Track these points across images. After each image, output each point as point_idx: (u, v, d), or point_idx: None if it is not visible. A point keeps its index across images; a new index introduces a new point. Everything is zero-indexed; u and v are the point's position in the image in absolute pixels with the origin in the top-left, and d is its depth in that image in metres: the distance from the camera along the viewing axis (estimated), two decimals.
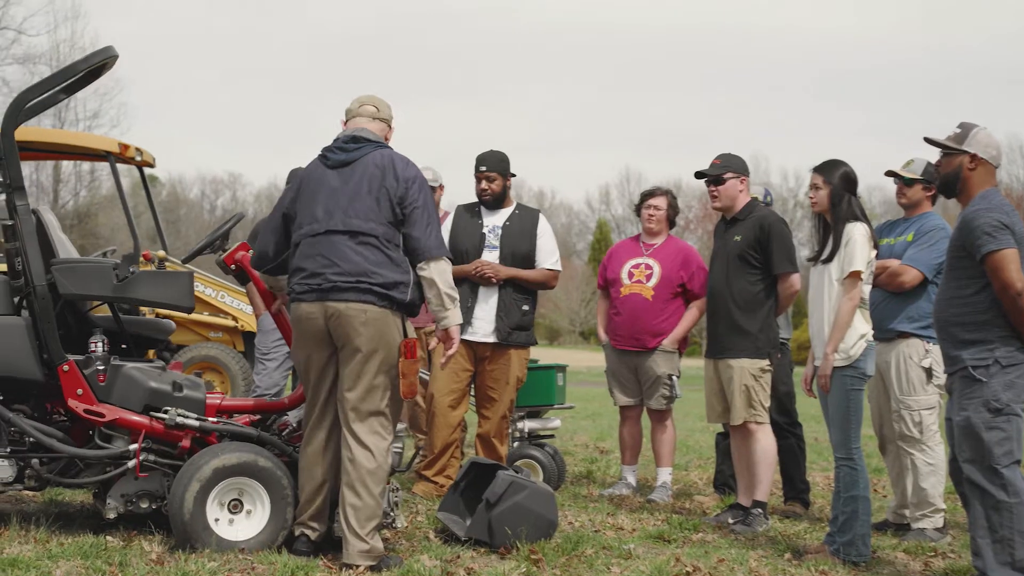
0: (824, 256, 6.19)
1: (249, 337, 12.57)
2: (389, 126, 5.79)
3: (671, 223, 8.46)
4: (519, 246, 7.55)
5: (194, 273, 5.94)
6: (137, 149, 12.81)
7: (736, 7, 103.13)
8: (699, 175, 7.26)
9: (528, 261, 7.56)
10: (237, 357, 12.25)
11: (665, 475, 8.18)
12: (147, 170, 12.44)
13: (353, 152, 5.54)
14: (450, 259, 5.53)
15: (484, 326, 7.47)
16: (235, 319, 12.71)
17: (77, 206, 45.22)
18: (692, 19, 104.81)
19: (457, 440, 7.59)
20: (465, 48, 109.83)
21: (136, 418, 5.60)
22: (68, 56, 47.36)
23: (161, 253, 6.13)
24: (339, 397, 5.41)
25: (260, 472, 5.47)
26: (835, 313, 6.07)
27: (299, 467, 5.51)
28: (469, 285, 7.49)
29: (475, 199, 7.76)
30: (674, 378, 8.13)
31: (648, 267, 8.24)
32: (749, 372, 7.00)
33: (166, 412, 5.60)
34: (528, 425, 8.08)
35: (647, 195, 8.44)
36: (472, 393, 7.72)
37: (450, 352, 5.55)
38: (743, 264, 7.06)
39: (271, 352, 8.21)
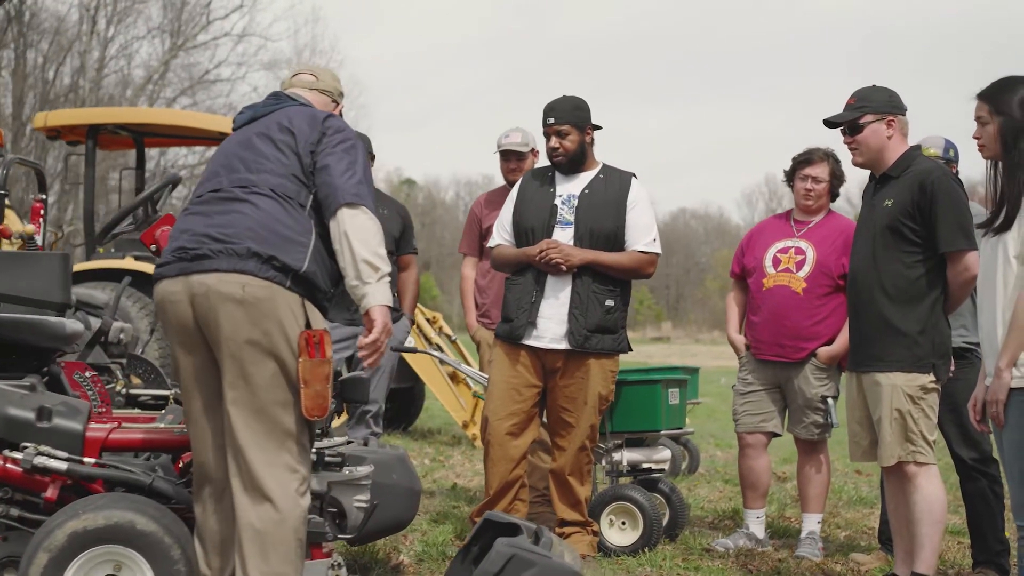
0: (997, 222, 4.14)
1: None
2: (334, 100, 4.35)
3: (833, 195, 6.42)
4: (601, 221, 5.68)
5: (69, 256, 4.33)
6: None
7: None
8: (829, 123, 5.23)
9: (614, 241, 5.68)
10: None
11: (813, 523, 6.17)
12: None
13: (264, 108, 4.12)
14: (372, 211, 3.88)
15: (553, 328, 5.64)
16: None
17: None
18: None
19: (521, 477, 5.79)
20: (719, 46, 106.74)
21: None
22: (310, 61, 47.71)
23: (30, 228, 4.55)
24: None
25: (139, 538, 3.82)
26: (1012, 308, 4.02)
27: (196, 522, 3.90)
28: (533, 275, 5.68)
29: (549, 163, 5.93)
30: (830, 402, 6.11)
31: (800, 252, 6.23)
32: (904, 392, 4.94)
33: (27, 449, 4.04)
34: (627, 457, 6.20)
35: (803, 161, 6.37)
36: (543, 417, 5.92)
37: (372, 351, 3.84)
38: (896, 239, 5.00)
39: None
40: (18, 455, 4.02)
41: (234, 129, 4.12)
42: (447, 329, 11.38)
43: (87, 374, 5.23)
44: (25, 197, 29.65)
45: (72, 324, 4.69)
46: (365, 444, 4.99)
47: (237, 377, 3.70)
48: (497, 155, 6.89)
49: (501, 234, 5.88)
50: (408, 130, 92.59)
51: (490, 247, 5.97)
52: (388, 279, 3.83)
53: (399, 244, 6.89)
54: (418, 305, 11.26)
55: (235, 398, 3.71)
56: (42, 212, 8.52)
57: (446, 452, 10.14)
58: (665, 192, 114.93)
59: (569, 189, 5.77)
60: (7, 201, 11.21)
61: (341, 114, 4.33)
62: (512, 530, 4.41)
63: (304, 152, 3.90)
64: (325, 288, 3.89)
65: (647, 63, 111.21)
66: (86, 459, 4.07)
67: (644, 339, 54.15)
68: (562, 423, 5.72)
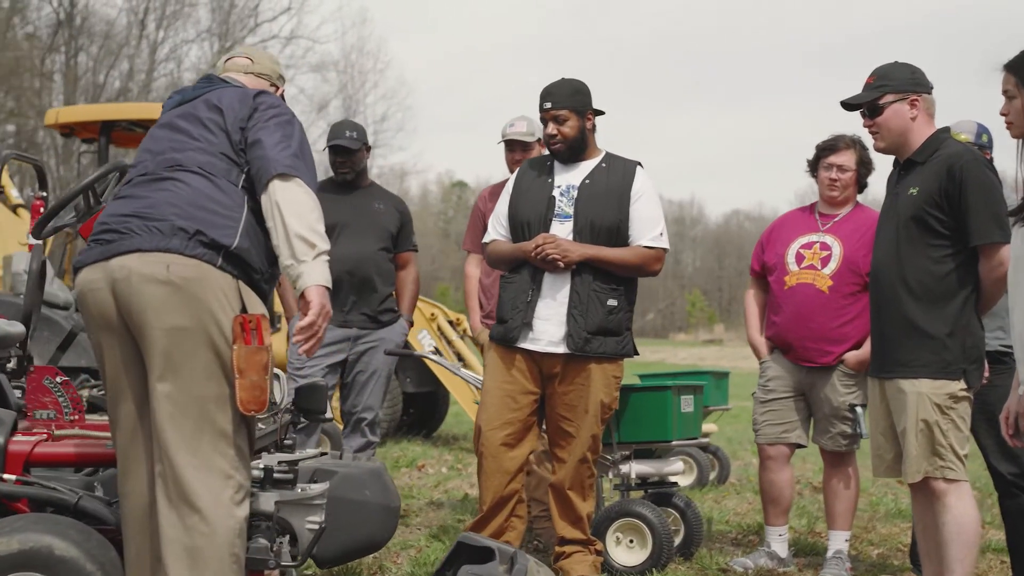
0: None
1: None
2: (273, 84, 3.96)
3: (861, 185, 5.91)
4: (603, 214, 5.23)
5: None
6: None
7: None
8: (847, 105, 4.75)
9: (617, 235, 5.23)
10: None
11: (840, 541, 5.67)
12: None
13: (193, 91, 3.76)
14: (308, 185, 3.49)
15: (550, 330, 5.19)
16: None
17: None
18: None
19: (518, 492, 5.34)
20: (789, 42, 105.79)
21: None
22: (357, 62, 47.51)
23: None
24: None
25: (57, 565, 3.40)
26: None
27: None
28: (529, 272, 5.24)
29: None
30: (858, 410, 5.60)
31: (825, 247, 5.74)
32: (931, 400, 4.46)
33: None
34: (636, 469, 5.73)
35: (827, 148, 5.88)
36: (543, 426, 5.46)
37: (309, 335, 3.46)
38: (922, 230, 4.52)
39: (305, 366, 6.21)
40: None
41: (163, 113, 3.74)
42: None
43: (58, 379, 4.86)
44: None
45: (4, 326, 4.28)
46: (339, 457, 4.58)
47: (164, 369, 3.32)
48: (502, 145, 6.47)
49: (496, 228, 5.45)
50: (459, 132, 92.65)
51: (484, 243, 5.54)
52: (326, 257, 3.46)
53: (397, 240, 6.47)
54: (440, 306, 10.88)
55: (162, 393, 3.33)
56: (43, 210, 8.21)
57: (466, 459, 9.71)
58: (718, 193, 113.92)
59: (568, 179, 5.33)
60: (18, 199, 10.93)
61: (283, 97, 3.94)
62: (486, 554, 3.97)
63: (233, 129, 3.54)
64: (261, 268, 3.51)
65: (699, 63, 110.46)
66: (6, 475, 3.68)
67: (696, 342, 53.62)
68: (561, 433, 5.27)
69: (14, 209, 10.73)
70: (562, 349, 5.17)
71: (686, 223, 76.37)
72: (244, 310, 3.39)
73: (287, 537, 3.76)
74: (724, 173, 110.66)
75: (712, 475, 8.60)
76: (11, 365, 5.09)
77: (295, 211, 3.39)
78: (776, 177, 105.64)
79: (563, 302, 5.17)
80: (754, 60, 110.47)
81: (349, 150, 6.34)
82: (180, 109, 3.66)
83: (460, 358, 10.29)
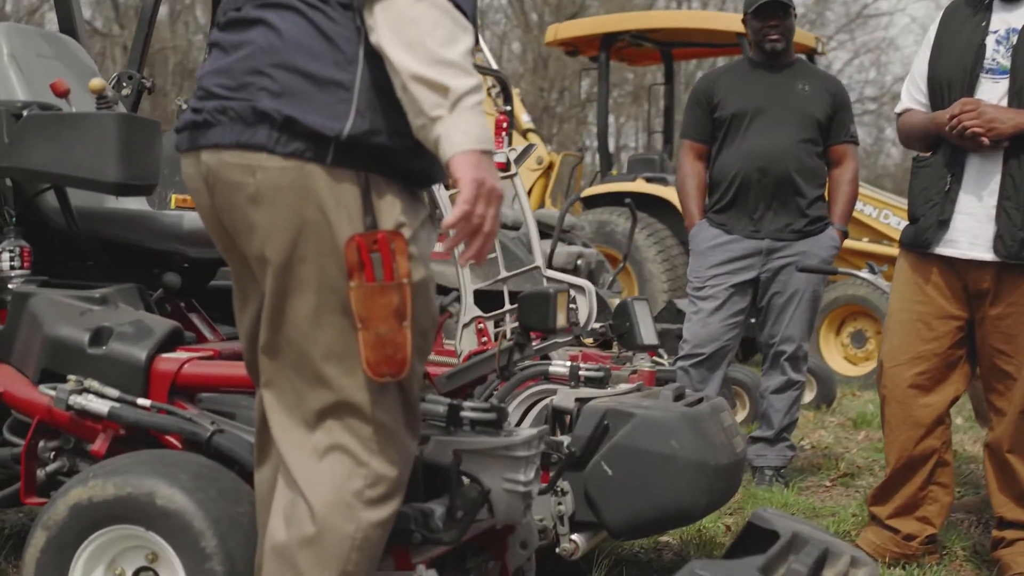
0: None
1: None
2: None
3: None
4: None
5: (131, 118, 3.22)
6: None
7: None
8: None
9: None
10: None
11: None
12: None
13: None
14: None
15: (975, 229, 3.72)
16: None
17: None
18: None
19: (936, 451, 3.93)
20: None
21: (29, 393, 3.09)
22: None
23: (97, 83, 3.19)
24: None
25: (159, 519, 2.62)
26: None
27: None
28: (946, 153, 3.79)
29: None
30: None
31: None
32: None
33: (68, 383, 3.02)
34: None
35: None
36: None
37: (467, 231, 2.17)
38: None
39: (706, 286, 5.09)
40: (52, 392, 3.02)
41: None
42: None
43: None
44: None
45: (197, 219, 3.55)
46: (662, 395, 3.49)
47: (268, 309, 2.31)
48: None
49: (912, 93, 4.02)
50: None
51: (896, 113, 4.13)
52: (475, 100, 2.14)
53: (829, 131, 5.11)
54: None
55: (265, 344, 2.34)
56: (504, 125, 7.69)
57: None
58: None
59: (1009, 20, 3.78)
60: (528, 123, 10.56)
61: None
62: (768, 539, 2.76)
63: None
64: (401, 145, 2.27)
65: None
66: (140, 401, 2.97)
67: None
68: (997, 373, 3.80)
69: (524, 133, 10.39)
70: (990, 256, 3.69)
71: None
72: (373, 223, 2.26)
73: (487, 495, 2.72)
74: None
75: None
76: None
77: (406, 40, 2.14)
78: None
79: (993, 191, 3.69)
80: None
81: (786, 5, 5.05)
82: None
83: None
